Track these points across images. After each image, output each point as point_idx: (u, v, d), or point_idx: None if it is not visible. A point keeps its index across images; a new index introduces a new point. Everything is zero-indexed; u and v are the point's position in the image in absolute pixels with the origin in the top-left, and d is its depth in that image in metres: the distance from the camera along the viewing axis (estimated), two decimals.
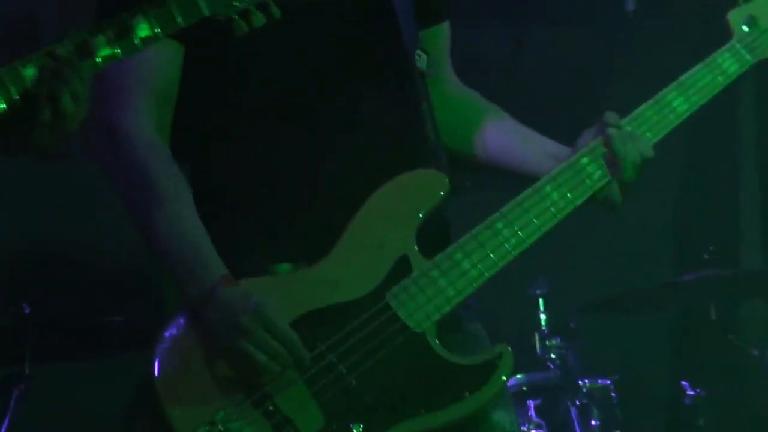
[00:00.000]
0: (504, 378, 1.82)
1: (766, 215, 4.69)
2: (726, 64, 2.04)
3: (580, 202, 1.93)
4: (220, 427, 1.76)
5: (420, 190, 1.91)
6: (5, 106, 1.52)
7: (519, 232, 1.88)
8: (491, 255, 1.87)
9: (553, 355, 3.95)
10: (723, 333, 4.05)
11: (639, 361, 4.54)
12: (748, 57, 2.06)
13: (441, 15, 2.12)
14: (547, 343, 4.00)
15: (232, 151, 1.93)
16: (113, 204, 2.11)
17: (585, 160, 1.94)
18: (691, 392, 3.97)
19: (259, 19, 1.60)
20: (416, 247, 1.85)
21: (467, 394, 1.80)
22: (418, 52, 2.00)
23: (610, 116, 1.97)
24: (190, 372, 1.80)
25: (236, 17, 1.61)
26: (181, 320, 1.83)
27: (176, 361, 1.81)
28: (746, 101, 4.43)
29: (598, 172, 1.94)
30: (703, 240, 4.43)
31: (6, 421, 3.32)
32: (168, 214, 1.84)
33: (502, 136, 2.09)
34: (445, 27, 2.13)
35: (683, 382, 4.02)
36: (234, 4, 1.61)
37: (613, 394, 3.99)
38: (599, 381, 3.95)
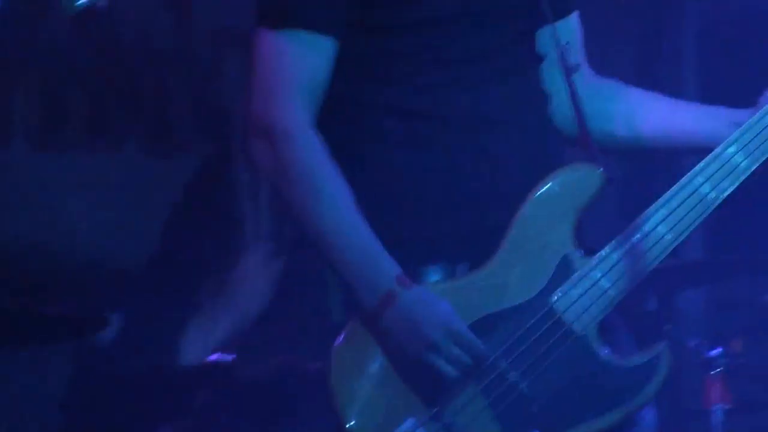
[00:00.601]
0: (665, 377, 1.91)
1: None
2: None
3: (730, 190, 1.97)
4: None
5: (574, 186, 1.95)
6: None
7: (672, 229, 1.93)
8: (647, 253, 1.92)
9: None
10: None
11: None
12: None
13: (571, 5, 2.14)
14: None
15: (387, 153, 1.94)
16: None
17: (731, 149, 1.96)
18: None
19: None
20: (575, 246, 1.91)
21: (632, 396, 1.89)
22: (566, 44, 2.04)
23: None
24: (369, 379, 1.85)
25: None
26: (357, 325, 1.86)
27: (354, 368, 1.86)
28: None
29: (745, 162, 1.96)
30: None
31: None
32: (336, 217, 1.86)
33: (666, 117, 2.13)
34: (576, 17, 2.14)
35: None
36: None
37: None
38: None
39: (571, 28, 2.11)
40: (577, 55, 2.11)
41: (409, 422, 1.80)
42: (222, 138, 3.76)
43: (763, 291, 4.26)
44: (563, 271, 1.90)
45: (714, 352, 4.01)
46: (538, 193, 1.91)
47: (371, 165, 1.94)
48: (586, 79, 2.12)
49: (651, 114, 2.11)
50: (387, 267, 1.83)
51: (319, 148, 1.87)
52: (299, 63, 1.88)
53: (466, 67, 1.95)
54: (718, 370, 4.03)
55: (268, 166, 1.90)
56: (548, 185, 1.92)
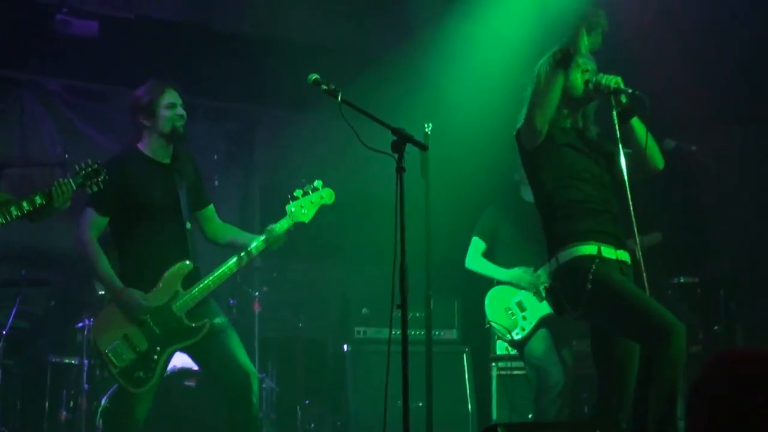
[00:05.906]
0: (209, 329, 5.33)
1: None
2: None
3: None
4: (120, 342, 5.11)
5: (184, 268, 5.29)
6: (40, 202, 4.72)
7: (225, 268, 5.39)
8: (209, 283, 5.32)
9: None
10: None
11: None
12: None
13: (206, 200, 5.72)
14: None
15: (127, 243, 5.30)
16: None
17: (255, 244, 5.45)
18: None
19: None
20: (181, 288, 5.26)
21: (198, 333, 5.29)
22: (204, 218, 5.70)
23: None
24: (109, 321, 5.17)
25: None
26: (109, 303, 5.22)
27: (103, 317, 5.22)
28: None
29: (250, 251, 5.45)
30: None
31: None
32: (103, 267, 5.20)
33: (234, 237, 5.63)
34: (212, 208, 5.73)
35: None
36: None
37: None
38: None
39: (207, 212, 5.62)
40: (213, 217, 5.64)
41: (127, 332, 5.09)
42: None
43: None
44: (175, 295, 5.17)
45: None
46: (172, 268, 5.21)
47: (121, 248, 5.28)
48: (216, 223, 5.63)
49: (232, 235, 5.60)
50: (118, 284, 5.08)
51: (96, 245, 5.12)
52: (93, 220, 5.16)
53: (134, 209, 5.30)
54: None
55: (78, 250, 5.15)
56: (175, 266, 5.23)
